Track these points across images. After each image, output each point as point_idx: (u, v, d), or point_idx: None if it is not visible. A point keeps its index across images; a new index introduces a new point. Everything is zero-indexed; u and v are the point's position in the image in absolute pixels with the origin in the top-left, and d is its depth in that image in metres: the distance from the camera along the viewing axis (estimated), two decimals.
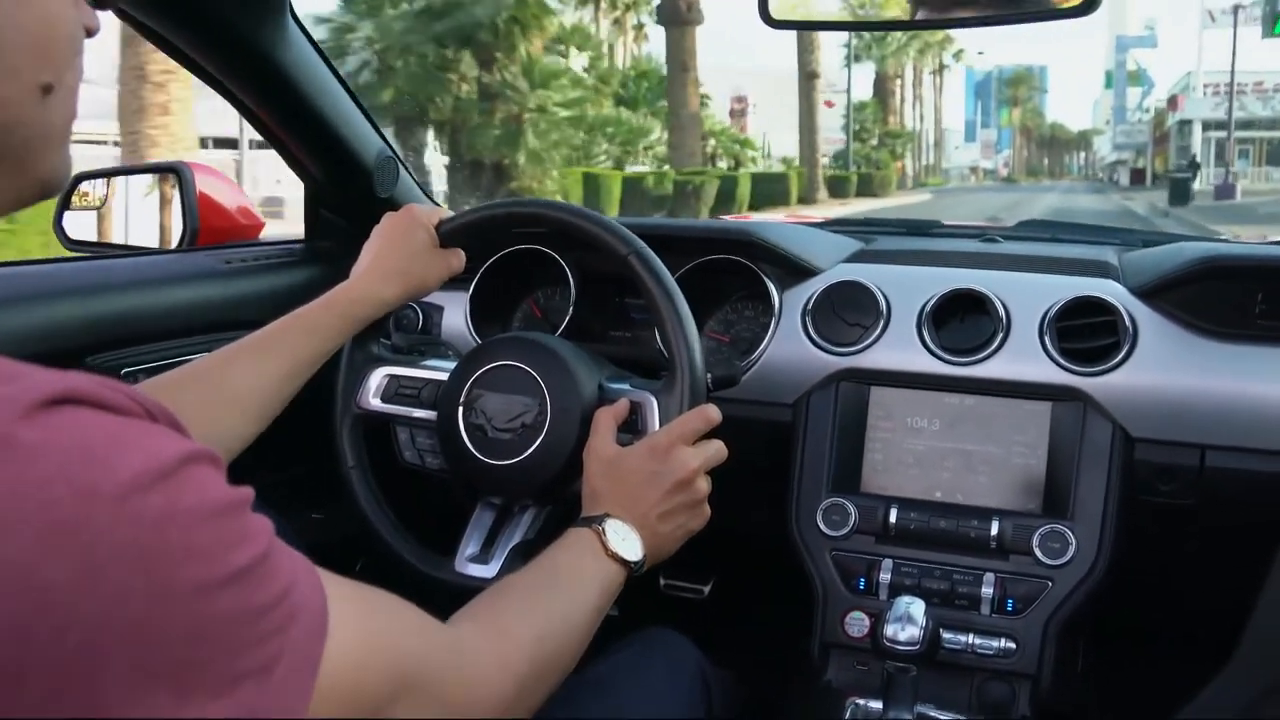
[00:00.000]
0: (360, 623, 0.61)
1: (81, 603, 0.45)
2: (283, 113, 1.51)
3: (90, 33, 0.66)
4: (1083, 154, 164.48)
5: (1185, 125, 67.77)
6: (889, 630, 1.13)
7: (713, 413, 1.14)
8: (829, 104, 46.92)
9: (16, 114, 0.60)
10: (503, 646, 0.81)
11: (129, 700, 0.47)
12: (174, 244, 1.71)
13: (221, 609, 0.50)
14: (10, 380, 0.48)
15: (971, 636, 1.32)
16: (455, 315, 1.67)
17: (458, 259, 1.34)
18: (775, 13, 1.13)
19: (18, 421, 0.46)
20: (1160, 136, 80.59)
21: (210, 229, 1.73)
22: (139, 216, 1.75)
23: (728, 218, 2.12)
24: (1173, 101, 73.39)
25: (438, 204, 1.87)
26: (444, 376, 1.32)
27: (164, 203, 1.71)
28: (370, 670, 0.62)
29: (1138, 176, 73.22)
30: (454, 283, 1.41)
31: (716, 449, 1.14)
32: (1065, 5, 1.05)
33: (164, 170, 1.73)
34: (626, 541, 1.05)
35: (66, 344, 1.28)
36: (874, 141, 64.40)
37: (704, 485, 1.12)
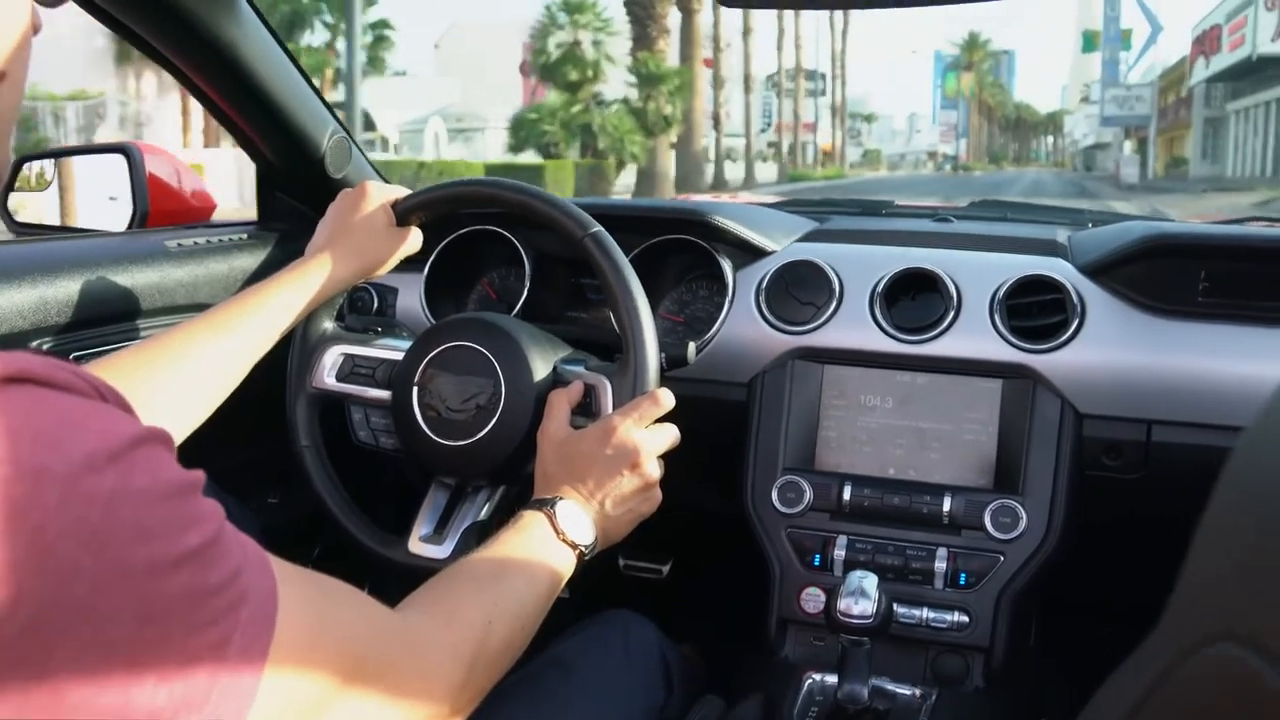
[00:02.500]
0: (309, 607, 0.62)
1: (30, 582, 0.45)
2: (233, 93, 1.49)
3: (36, 30, 0.67)
4: (1051, 138, 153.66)
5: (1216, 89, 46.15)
6: (842, 604, 1.14)
7: (665, 398, 1.15)
8: (707, 62, 38.76)
9: None
10: (452, 632, 0.82)
11: (80, 680, 0.47)
12: (125, 226, 1.68)
13: (173, 589, 0.50)
14: None
15: (925, 610, 1.34)
16: (410, 296, 1.67)
17: (414, 237, 1.34)
18: None
19: None
20: (1173, 104, 59.29)
21: (160, 211, 1.71)
22: (88, 199, 1.72)
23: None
24: (1202, 44, 46.56)
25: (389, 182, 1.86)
26: (399, 356, 1.33)
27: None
28: (319, 653, 0.62)
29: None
30: (408, 264, 1.41)
31: (668, 433, 1.15)
32: None
33: (111, 151, 1.71)
34: (578, 525, 1.06)
35: (10, 328, 1.26)
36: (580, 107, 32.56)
37: (655, 470, 1.13)
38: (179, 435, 1.09)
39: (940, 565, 1.36)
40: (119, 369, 1.08)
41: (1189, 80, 51.95)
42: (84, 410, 0.50)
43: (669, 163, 35.15)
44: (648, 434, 1.13)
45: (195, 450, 1.31)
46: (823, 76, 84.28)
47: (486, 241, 1.65)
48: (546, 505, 1.06)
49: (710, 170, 40.28)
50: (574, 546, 1.04)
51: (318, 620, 0.63)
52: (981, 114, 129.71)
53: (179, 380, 1.11)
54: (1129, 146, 67.18)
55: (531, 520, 1.04)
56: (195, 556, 0.52)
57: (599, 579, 1.11)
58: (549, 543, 1.03)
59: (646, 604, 1.42)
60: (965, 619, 1.34)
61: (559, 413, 1.17)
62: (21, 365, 0.49)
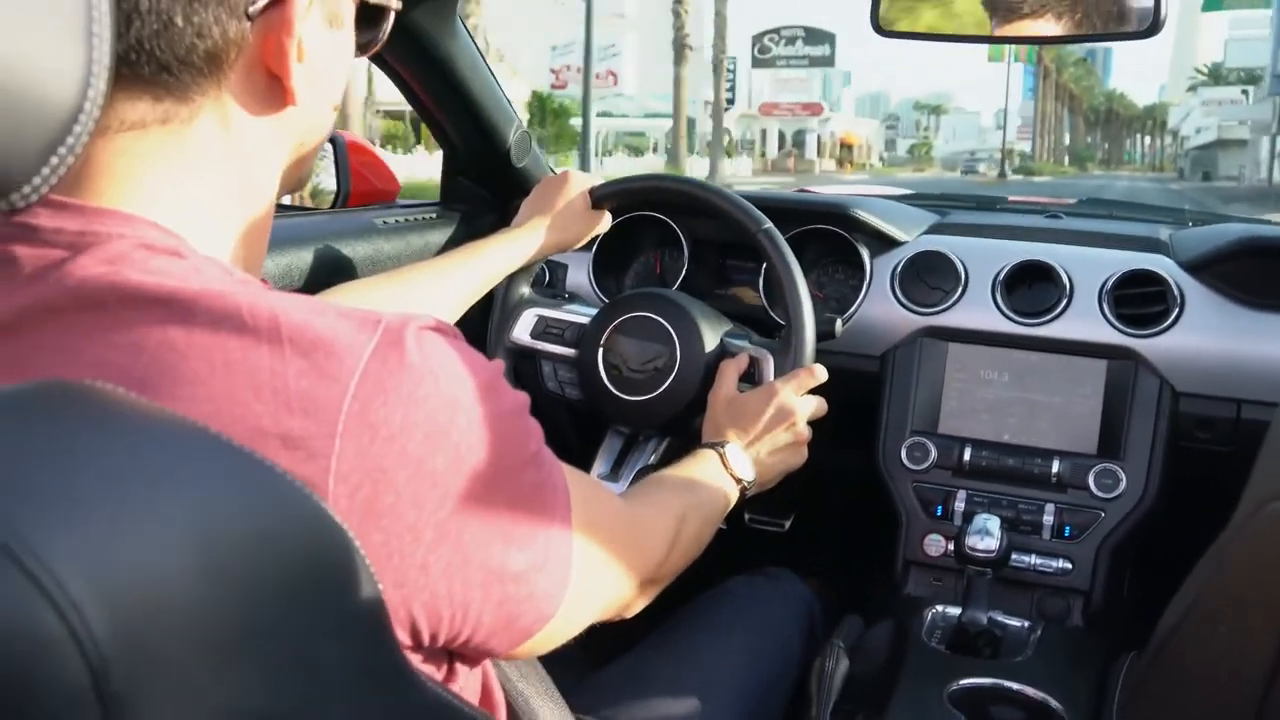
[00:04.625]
0: (579, 490, 0.76)
1: (457, 482, 0.60)
2: (443, 95, 1.73)
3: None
4: (1149, 138, 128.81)
5: None
6: (970, 540, 1.34)
7: (820, 372, 1.34)
8: None
9: (325, 128, 0.77)
10: (661, 521, 1.01)
11: (478, 548, 0.62)
12: (330, 205, 1.92)
13: (526, 480, 0.66)
14: (378, 318, 0.61)
15: (1034, 557, 1.53)
16: (578, 273, 1.87)
17: (606, 220, 1.55)
18: (884, 22, 1.32)
19: (407, 344, 0.59)
20: None
21: (358, 192, 1.95)
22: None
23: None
24: None
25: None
26: (585, 320, 1.52)
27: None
28: (590, 526, 0.77)
29: None
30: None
31: (819, 402, 1.34)
32: (1130, 30, 1.22)
33: None
34: (741, 463, 1.26)
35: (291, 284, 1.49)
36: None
37: (806, 430, 1.32)
38: None
39: (1048, 519, 1.54)
40: (353, 292, 1.29)
41: None
42: (466, 354, 0.63)
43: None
44: (803, 400, 1.32)
45: None
46: (831, 38, 59.11)
47: (643, 225, 1.86)
48: (718, 446, 1.25)
49: (690, 165, 35.20)
50: (738, 481, 1.23)
51: (587, 501, 0.75)
52: (1060, 101, 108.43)
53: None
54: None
55: (706, 455, 1.24)
56: (534, 457, 0.67)
57: (728, 532, 1.27)
58: (720, 473, 1.22)
59: (771, 553, 1.65)
60: (1069, 565, 1.52)
61: (729, 379, 1.37)
62: (433, 321, 0.63)
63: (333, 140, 1.93)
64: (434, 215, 1.92)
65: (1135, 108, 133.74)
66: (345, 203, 1.92)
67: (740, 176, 48.98)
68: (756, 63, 61.41)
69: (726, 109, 46.57)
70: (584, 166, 19.34)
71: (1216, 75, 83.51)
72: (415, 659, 0.63)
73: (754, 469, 1.28)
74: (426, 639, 0.63)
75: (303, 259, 1.57)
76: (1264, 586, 0.63)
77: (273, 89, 0.67)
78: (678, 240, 1.82)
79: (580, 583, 0.72)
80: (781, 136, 75.76)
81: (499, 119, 1.83)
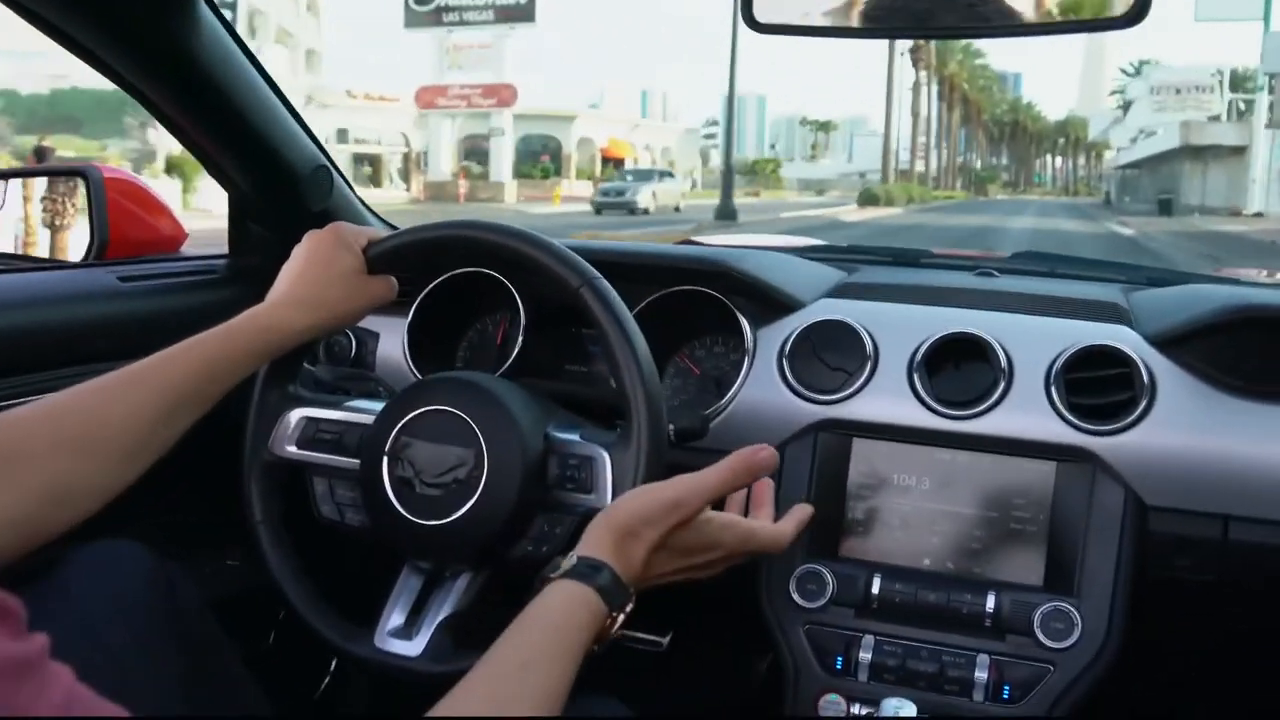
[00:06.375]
0: None
1: None
2: (197, 113, 1.35)
3: None
4: (1058, 158, 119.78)
5: None
6: None
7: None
8: None
9: None
10: None
11: None
12: (81, 257, 1.54)
13: None
14: None
15: None
16: (392, 344, 1.53)
17: (386, 287, 1.19)
18: (759, 15, 0.98)
19: None
20: None
21: (124, 240, 1.57)
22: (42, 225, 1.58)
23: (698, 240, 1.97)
24: None
25: (381, 221, 1.70)
26: (369, 420, 1.19)
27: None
28: None
29: None
30: (392, 306, 1.27)
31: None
32: (1108, 16, 0.89)
33: (68, 174, 1.57)
34: (621, 596, 0.89)
35: None
36: None
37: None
38: (92, 506, 0.94)
39: (981, 675, 1.22)
40: (19, 423, 0.93)
41: None
42: None
43: None
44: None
45: (147, 509, 1.18)
46: None
47: (481, 281, 1.50)
48: (591, 575, 0.87)
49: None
50: (609, 618, 0.87)
51: None
52: (949, 106, 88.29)
53: (88, 439, 0.95)
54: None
55: (570, 598, 0.86)
56: None
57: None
58: (582, 624, 0.85)
59: (642, 678, 1.33)
60: None
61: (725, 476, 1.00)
62: None
63: (84, 174, 1.54)
64: (213, 271, 1.53)
65: (1045, 121, 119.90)
66: (101, 254, 1.54)
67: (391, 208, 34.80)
68: (413, 20, 42.19)
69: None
70: None
71: (1239, 81, 54.31)
72: None
73: (633, 594, 0.90)
74: None
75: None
76: None
77: None
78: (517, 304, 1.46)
79: None
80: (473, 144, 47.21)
81: (285, 148, 1.45)
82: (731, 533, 1.01)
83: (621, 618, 0.89)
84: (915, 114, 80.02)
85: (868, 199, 49.69)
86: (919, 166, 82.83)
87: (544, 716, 0.77)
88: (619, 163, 54.37)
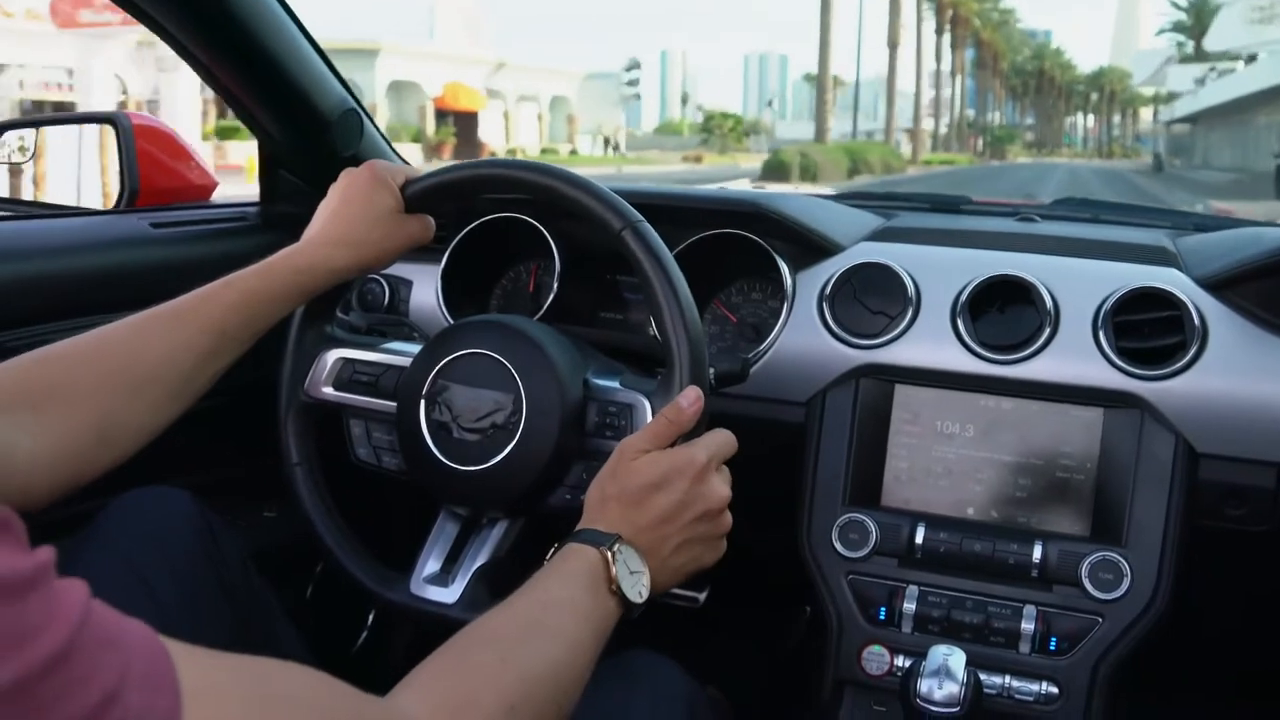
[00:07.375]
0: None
1: None
2: (229, 59, 1.33)
3: None
4: (1091, 116, 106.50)
5: None
6: (924, 686, 0.97)
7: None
8: None
9: None
10: None
11: None
12: (111, 205, 1.52)
13: None
14: None
15: (1008, 678, 1.19)
16: (425, 291, 1.50)
17: (424, 227, 1.17)
18: None
19: None
20: None
21: (154, 189, 1.55)
22: (69, 173, 1.56)
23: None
24: None
25: (407, 162, 1.68)
26: (406, 362, 1.17)
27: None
28: None
29: None
30: (425, 253, 1.27)
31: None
32: None
33: (98, 121, 1.55)
34: (635, 575, 0.89)
35: None
36: None
37: (729, 519, 0.98)
38: (133, 445, 0.94)
39: (1027, 626, 1.20)
40: (60, 360, 0.93)
41: None
42: None
43: None
44: (725, 475, 0.98)
45: (182, 460, 1.17)
46: None
47: (515, 228, 1.48)
48: (606, 543, 0.87)
49: None
50: (623, 602, 0.87)
51: None
52: (957, 44, 74.49)
53: (130, 376, 0.94)
54: None
55: (581, 561, 0.86)
56: (26, 682, 0.42)
57: None
58: (598, 595, 0.85)
59: (678, 634, 1.29)
60: (1054, 690, 1.18)
61: (655, 428, 0.98)
62: None
63: (114, 121, 1.52)
64: (244, 219, 1.52)
65: (1076, 72, 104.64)
66: (132, 202, 1.53)
67: None
68: None
69: None
70: None
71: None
72: None
73: (650, 580, 0.90)
74: None
75: (27, 277, 1.18)
76: None
77: None
78: (551, 251, 1.43)
79: None
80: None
81: (314, 94, 1.43)
82: (667, 458, 0.95)
83: (643, 569, 0.89)
84: (920, 58, 67.75)
85: (773, 170, 30.94)
86: (927, 124, 72.01)
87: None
88: (465, 118, 41.92)
